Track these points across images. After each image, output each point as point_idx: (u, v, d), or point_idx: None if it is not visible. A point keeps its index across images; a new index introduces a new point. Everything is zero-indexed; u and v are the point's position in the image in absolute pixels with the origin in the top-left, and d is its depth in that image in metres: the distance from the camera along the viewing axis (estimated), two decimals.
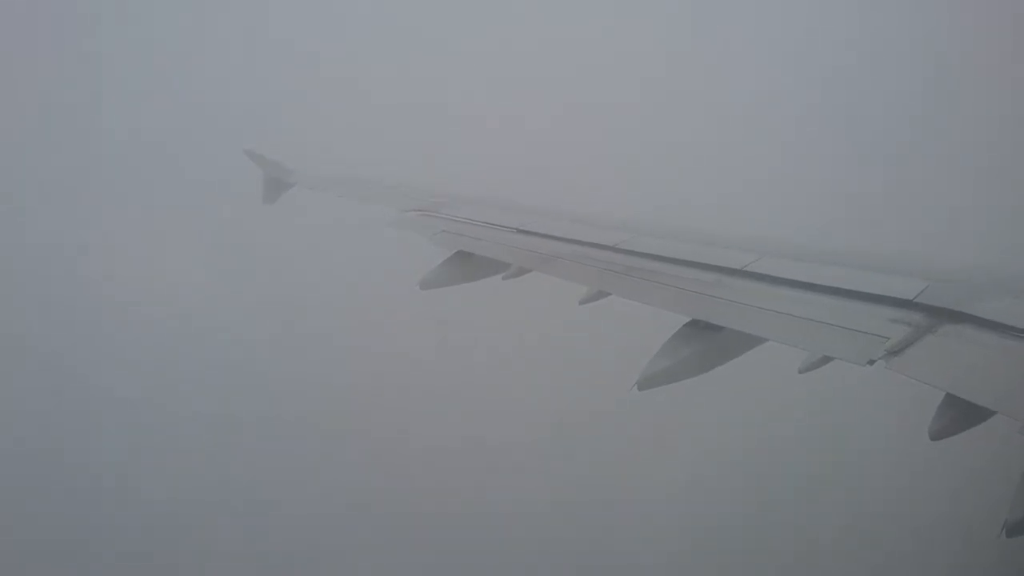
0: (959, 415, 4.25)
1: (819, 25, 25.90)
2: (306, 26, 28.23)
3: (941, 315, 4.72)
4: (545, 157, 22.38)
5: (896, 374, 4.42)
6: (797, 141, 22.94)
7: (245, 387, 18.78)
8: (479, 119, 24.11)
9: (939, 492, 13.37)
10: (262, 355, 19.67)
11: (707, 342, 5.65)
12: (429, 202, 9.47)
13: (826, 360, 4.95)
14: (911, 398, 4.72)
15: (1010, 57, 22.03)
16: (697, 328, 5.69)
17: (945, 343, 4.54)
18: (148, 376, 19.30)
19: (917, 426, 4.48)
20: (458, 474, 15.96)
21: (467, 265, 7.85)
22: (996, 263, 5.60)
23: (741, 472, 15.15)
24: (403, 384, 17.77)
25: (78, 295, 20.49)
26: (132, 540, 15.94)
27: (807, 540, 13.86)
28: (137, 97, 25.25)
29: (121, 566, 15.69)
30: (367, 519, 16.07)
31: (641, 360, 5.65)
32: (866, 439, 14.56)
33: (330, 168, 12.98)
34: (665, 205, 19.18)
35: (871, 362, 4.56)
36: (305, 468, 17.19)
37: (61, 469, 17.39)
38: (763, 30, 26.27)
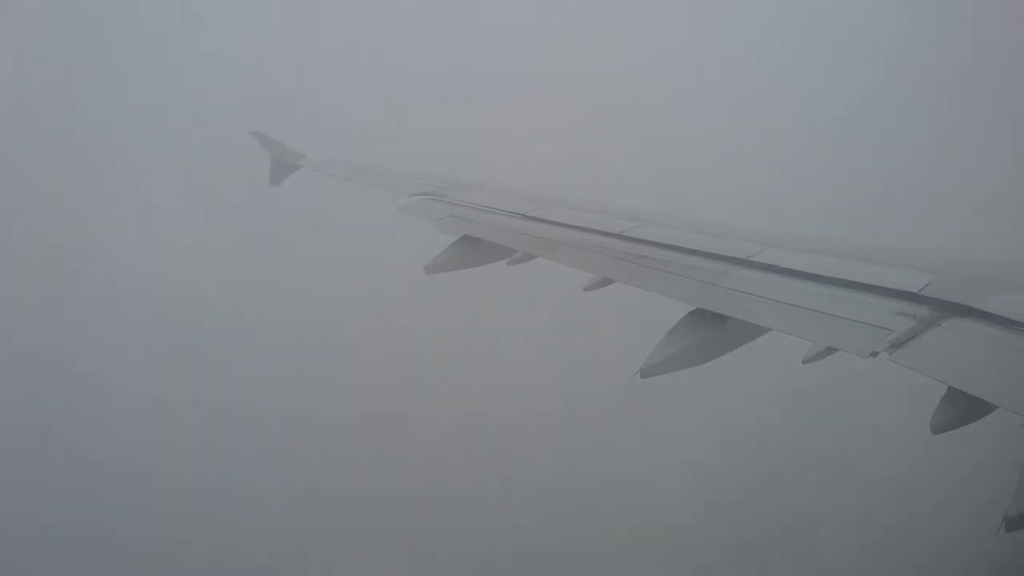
0: (961, 409, 4.25)
1: (832, 22, 25.78)
2: (312, 18, 28.25)
3: (946, 309, 4.72)
4: (552, 146, 22.34)
5: (899, 366, 4.42)
6: (806, 134, 22.86)
7: (248, 371, 18.81)
8: (487, 109, 24.05)
9: (939, 485, 13.39)
10: (266, 339, 19.69)
11: (711, 331, 5.65)
12: (435, 187, 9.48)
13: (830, 351, 4.96)
14: (914, 391, 4.72)
15: (1018, 54, 21.94)
16: (701, 317, 5.69)
17: (949, 337, 4.54)
18: (150, 360, 19.34)
19: (919, 419, 4.49)
20: (460, 458, 16.00)
21: (473, 250, 7.85)
22: (1002, 258, 5.59)
23: (741, 461, 15.18)
24: (407, 368, 17.80)
25: (82, 280, 20.53)
26: (133, 535, 15.98)
27: (806, 530, 13.90)
28: (142, 84, 25.33)
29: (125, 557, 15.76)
30: (369, 501, 16.14)
31: (645, 348, 5.65)
32: (867, 431, 14.57)
33: (337, 152, 12.97)
34: (672, 194, 19.14)
35: (874, 354, 4.56)
36: (309, 451, 17.24)
37: (60, 459, 17.41)
38: (777, 25, 26.14)
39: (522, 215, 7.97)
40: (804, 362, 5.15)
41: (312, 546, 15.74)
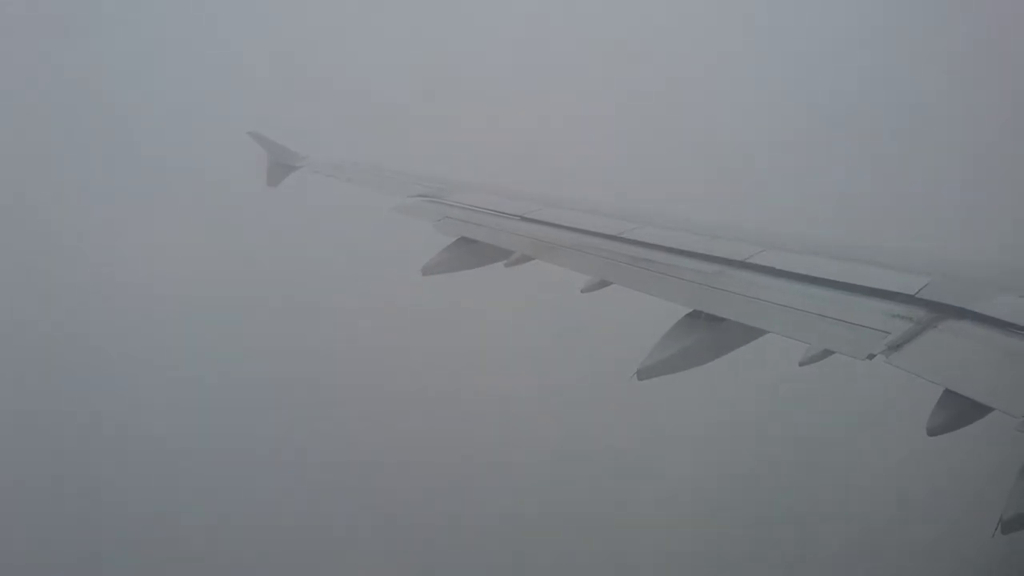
0: (957, 411, 4.25)
1: (830, 23, 25.80)
2: (313, 18, 28.29)
3: (943, 311, 4.71)
4: (551, 147, 22.32)
5: (896, 369, 4.42)
6: (803, 136, 22.86)
7: (247, 372, 18.80)
8: (487, 109, 24.03)
9: (935, 487, 13.39)
10: (263, 340, 19.68)
11: (708, 333, 5.64)
12: (433, 188, 9.46)
13: (826, 353, 4.95)
14: (910, 393, 4.72)
15: (1016, 56, 21.96)
16: (698, 319, 5.69)
17: (946, 339, 4.54)
18: (149, 361, 19.32)
19: (915, 421, 4.49)
20: (455, 458, 16.01)
21: (470, 252, 7.83)
22: (999, 260, 5.58)
23: (738, 463, 15.18)
24: (403, 369, 17.79)
25: (84, 279, 20.53)
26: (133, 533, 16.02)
27: (802, 531, 13.91)
28: (142, 83, 25.34)
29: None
30: (367, 502, 16.15)
31: (641, 350, 5.65)
32: (864, 433, 14.58)
33: (337, 152, 12.95)
34: (670, 195, 19.14)
35: (871, 356, 4.56)
36: (307, 452, 17.24)
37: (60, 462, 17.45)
38: (775, 26, 26.16)
39: (519, 217, 7.95)
40: (801, 364, 5.14)
41: (310, 546, 15.75)
